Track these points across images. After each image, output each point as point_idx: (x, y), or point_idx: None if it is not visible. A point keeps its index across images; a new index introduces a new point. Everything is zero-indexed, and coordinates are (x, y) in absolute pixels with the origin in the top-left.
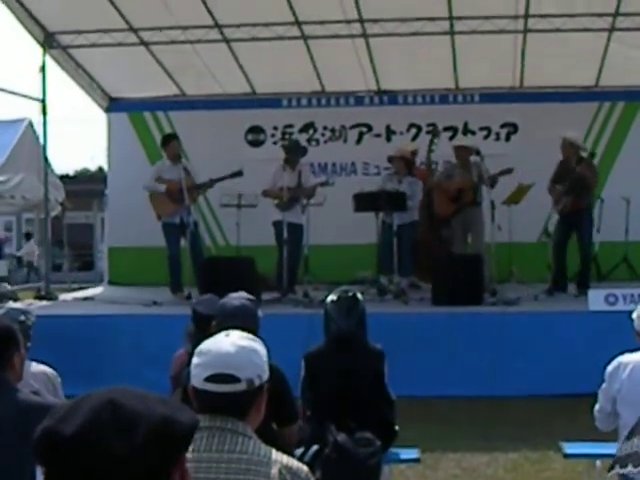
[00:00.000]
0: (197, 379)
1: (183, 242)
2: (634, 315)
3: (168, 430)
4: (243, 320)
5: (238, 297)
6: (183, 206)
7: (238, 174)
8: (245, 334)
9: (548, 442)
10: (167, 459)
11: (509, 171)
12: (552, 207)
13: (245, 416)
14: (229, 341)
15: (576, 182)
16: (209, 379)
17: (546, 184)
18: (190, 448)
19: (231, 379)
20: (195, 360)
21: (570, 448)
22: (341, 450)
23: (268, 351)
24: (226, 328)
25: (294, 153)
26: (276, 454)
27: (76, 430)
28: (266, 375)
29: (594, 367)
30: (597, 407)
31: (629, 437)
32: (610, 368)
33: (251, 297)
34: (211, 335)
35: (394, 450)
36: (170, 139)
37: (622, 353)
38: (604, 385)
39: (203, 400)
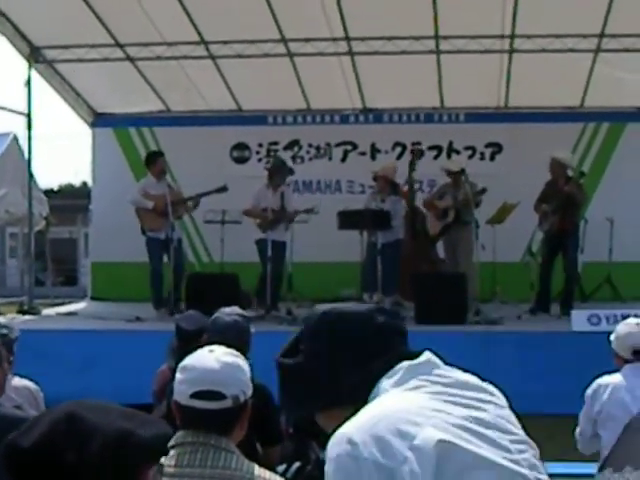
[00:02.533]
0: (182, 395)
1: (166, 258)
2: (612, 337)
3: (123, 444)
4: (235, 336)
5: (230, 313)
6: (167, 222)
7: (223, 189)
8: (229, 350)
9: None
10: (122, 473)
11: (483, 191)
12: (537, 226)
13: (229, 432)
14: (213, 357)
15: (564, 201)
16: (195, 396)
17: (530, 204)
18: (173, 463)
19: (217, 396)
20: (179, 376)
21: (551, 468)
22: (323, 467)
23: (252, 369)
24: (218, 343)
25: (279, 174)
26: (259, 470)
27: (33, 443)
28: (250, 391)
29: (576, 388)
30: (578, 430)
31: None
32: (589, 391)
33: (244, 313)
34: (196, 350)
35: None
36: (156, 157)
37: (601, 375)
38: (584, 408)
39: (187, 416)
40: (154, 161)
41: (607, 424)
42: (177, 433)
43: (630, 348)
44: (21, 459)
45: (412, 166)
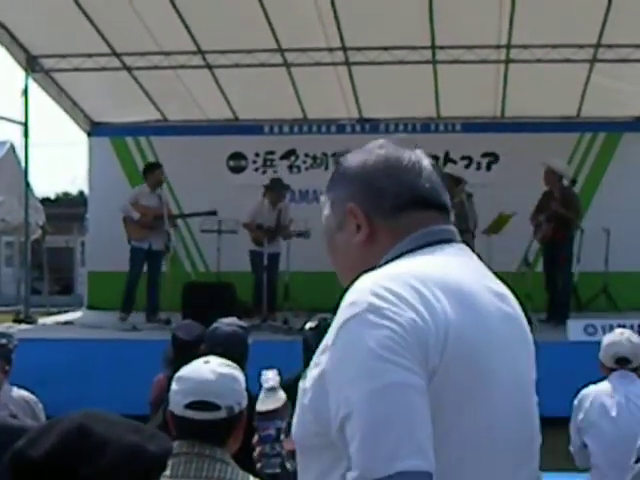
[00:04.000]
0: (177, 406)
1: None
2: (601, 346)
3: (135, 458)
4: (234, 347)
5: (230, 323)
6: (154, 233)
7: (212, 213)
8: (224, 361)
9: None
10: None
11: (468, 196)
12: (533, 236)
13: (224, 442)
14: (209, 368)
15: (556, 212)
16: (189, 406)
17: (527, 214)
18: (168, 473)
19: (212, 407)
20: (175, 387)
21: (547, 478)
22: None
23: (247, 379)
24: (216, 354)
25: (277, 192)
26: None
27: (44, 453)
28: (245, 402)
29: (572, 397)
30: (571, 443)
31: (638, 460)
32: (576, 401)
33: (242, 324)
34: (192, 360)
35: None
36: (155, 168)
37: (587, 385)
38: (572, 418)
39: (182, 426)
40: (152, 172)
41: (590, 432)
42: (174, 443)
43: (613, 357)
44: (30, 469)
45: None
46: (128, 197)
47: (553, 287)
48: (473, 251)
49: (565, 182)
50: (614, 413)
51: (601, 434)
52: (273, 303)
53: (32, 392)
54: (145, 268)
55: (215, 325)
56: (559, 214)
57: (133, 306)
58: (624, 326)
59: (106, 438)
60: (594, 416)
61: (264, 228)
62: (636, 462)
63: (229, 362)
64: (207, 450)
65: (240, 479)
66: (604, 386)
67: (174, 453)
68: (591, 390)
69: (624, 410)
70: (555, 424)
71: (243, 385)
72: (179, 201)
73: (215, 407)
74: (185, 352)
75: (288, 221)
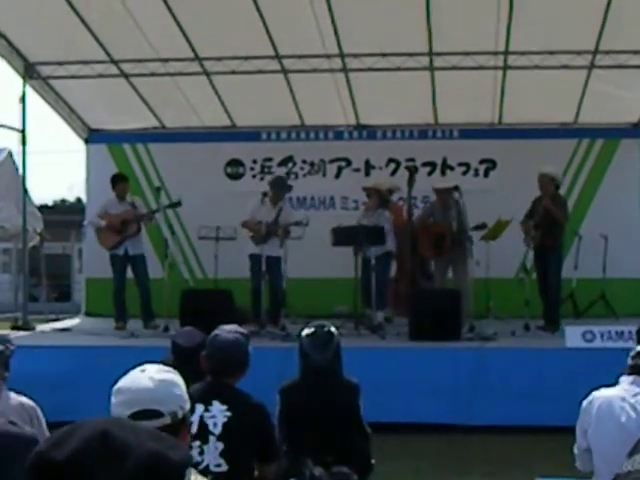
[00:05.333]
0: None
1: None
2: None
3: (156, 466)
4: (235, 354)
5: (231, 330)
6: (126, 237)
7: (177, 204)
8: (161, 367)
9: (524, 477)
10: None
11: (483, 226)
12: (523, 242)
13: None
14: (146, 376)
15: (546, 218)
16: (133, 416)
17: None
18: None
19: (156, 414)
20: (115, 399)
21: None
22: None
23: (243, 386)
24: (217, 361)
25: (279, 190)
26: None
27: (67, 457)
28: (187, 405)
29: (571, 403)
30: (575, 445)
31: (629, 456)
32: (584, 403)
33: (243, 331)
34: (193, 367)
35: None
36: (117, 180)
37: (598, 388)
38: (579, 419)
39: None
40: (115, 184)
41: (595, 436)
42: None
43: (629, 361)
44: (52, 471)
45: (411, 183)
46: (97, 210)
47: (545, 293)
48: (472, 257)
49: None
50: (623, 419)
51: (606, 438)
52: (276, 310)
53: (31, 399)
54: (131, 274)
55: (216, 332)
56: (549, 215)
57: (126, 314)
58: (622, 333)
59: (129, 444)
60: (601, 419)
61: (262, 224)
62: (629, 455)
63: (166, 367)
64: None
65: None
66: (615, 390)
67: None
68: (600, 394)
69: (632, 415)
70: (554, 432)
71: (184, 389)
72: (176, 208)
73: (159, 414)
74: (185, 359)
75: (289, 217)
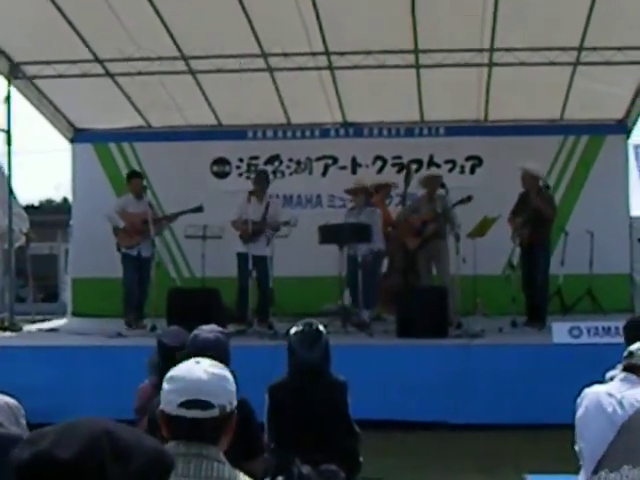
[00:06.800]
0: (170, 405)
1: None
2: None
3: (159, 461)
4: (215, 354)
5: (211, 330)
6: (143, 239)
7: (199, 209)
8: (214, 362)
9: (512, 474)
10: None
11: (468, 199)
12: (510, 239)
13: (217, 442)
14: (201, 368)
15: (534, 214)
16: (183, 405)
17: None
18: None
19: (205, 405)
20: (167, 386)
21: None
22: None
23: (236, 383)
24: None
25: (260, 183)
26: None
27: (74, 455)
28: (235, 402)
29: (558, 399)
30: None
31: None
32: (579, 399)
33: (223, 330)
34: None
35: None
36: (131, 177)
37: (588, 385)
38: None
39: (175, 426)
40: (128, 181)
41: (580, 431)
42: (168, 443)
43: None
44: (57, 470)
45: (407, 181)
46: (114, 206)
47: (531, 290)
48: (458, 253)
49: (540, 183)
50: (610, 410)
51: (594, 430)
52: (264, 309)
53: (18, 400)
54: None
55: (196, 332)
56: (537, 212)
57: (138, 312)
58: (609, 328)
59: (132, 442)
60: (589, 412)
61: (249, 222)
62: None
63: (219, 363)
64: (204, 450)
65: (237, 479)
66: (605, 387)
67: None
68: (591, 389)
69: (618, 411)
70: (542, 428)
71: (234, 386)
72: (163, 207)
73: (209, 405)
74: (171, 358)
75: (277, 214)
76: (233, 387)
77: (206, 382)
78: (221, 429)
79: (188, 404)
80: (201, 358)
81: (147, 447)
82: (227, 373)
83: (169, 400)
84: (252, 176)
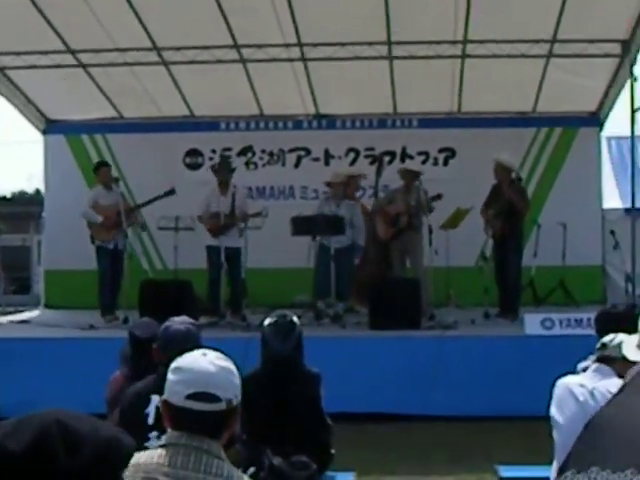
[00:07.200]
0: (177, 396)
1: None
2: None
3: (113, 451)
4: (187, 345)
5: (181, 321)
6: (119, 231)
7: (171, 192)
8: (220, 354)
9: (484, 465)
10: (112, 478)
11: (438, 197)
12: (483, 231)
13: (219, 436)
14: (208, 360)
15: (506, 206)
16: (191, 397)
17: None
18: (166, 462)
19: (213, 398)
20: (173, 377)
21: (505, 471)
22: (277, 473)
23: None
24: (168, 352)
25: (223, 173)
26: (247, 479)
27: (24, 446)
28: (240, 396)
29: (530, 391)
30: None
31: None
32: (554, 389)
33: (194, 322)
34: (150, 358)
35: (330, 474)
36: (99, 167)
37: (560, 376)
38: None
39: (181, 417)
40: (97, 171)
41: (553, 422)
42: (169, 432)
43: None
44: (10, 462)
45: (380, 171)
46: (87, 200)
47: (504, 281)
48: (430, 244)
49: (513, 175)
50: (581, 399)
51: (566, 416)
52: (236, 301)
53: None
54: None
55: (167, 324)
56: (510, 204)
57: (114, 304)
58: (581, 320)
59: (84, 432)
60: (562, 399)
61: (220, 215)
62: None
63: (224, 355)
64: (205, 444)
65: (236, 477)
66: (578, 378)
67: (172, 443)
68: (564, 379)
69: (590, 402)
70: (514, 419)
71: (239, 379)
72: (136, 199)
73: (216, 399)
74: (142, 350)
75: (244, 205)
76: (239, 380)
77: (214, 375)
78: (225, 423)
79: (197, 397)
80: (206, 350)
81: (101, 436)
82: (233, 366)
83: (176, 391)
84: (214, 166)
